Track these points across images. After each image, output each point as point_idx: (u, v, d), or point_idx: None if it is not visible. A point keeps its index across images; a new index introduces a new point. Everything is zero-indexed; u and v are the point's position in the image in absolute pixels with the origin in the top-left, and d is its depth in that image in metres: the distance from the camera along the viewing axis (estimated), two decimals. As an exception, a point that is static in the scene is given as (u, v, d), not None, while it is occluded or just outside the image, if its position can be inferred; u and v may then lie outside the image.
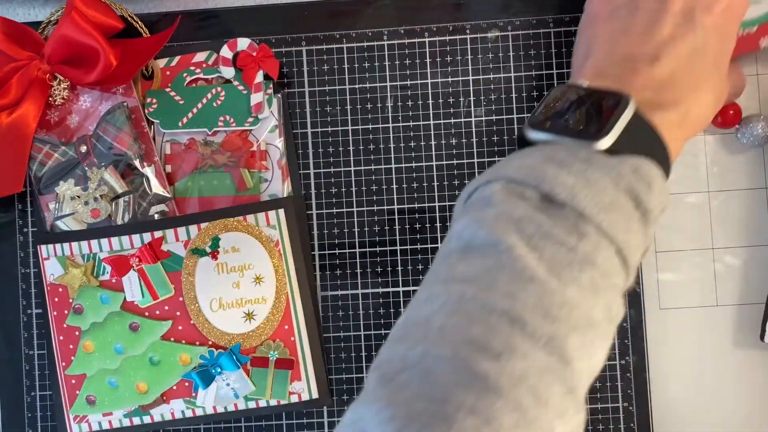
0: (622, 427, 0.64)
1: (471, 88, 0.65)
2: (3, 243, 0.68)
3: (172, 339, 0.65)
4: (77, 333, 0.65)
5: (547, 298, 0.41)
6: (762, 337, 0.63)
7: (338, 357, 0.66)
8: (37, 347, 0.68)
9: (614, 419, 0.64)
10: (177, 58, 0.67)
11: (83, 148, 0.65)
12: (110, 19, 0.65)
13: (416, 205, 0.65)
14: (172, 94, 0.66)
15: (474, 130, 0.65)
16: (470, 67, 0.65)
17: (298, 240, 0.65)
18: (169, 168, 0.66)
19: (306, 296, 0.65)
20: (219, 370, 0.64)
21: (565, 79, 0.64)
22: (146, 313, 0.65)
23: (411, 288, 0.65)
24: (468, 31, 0.65)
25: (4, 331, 0.68)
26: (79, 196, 0.65)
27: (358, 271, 0.66)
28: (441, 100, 0.65)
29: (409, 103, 0.65)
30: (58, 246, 0.65)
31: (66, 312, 0.65)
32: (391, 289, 0.65)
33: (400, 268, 0.65)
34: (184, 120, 0.65)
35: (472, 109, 0.65)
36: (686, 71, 0.49)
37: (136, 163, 0.65)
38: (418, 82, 0.65)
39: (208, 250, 0.64)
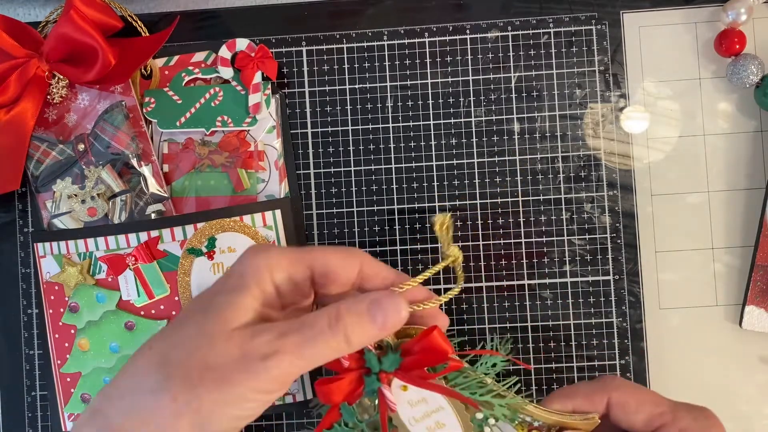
0: (622, 428, 0.64)
1: (471, 88, 0.65)
2: (3, 243, 0.68)
3: (169, 339, 0.64)
4: (72, 331, 0.64)
5: None
6: (740, 324, 0.63)
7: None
8: (37, 347, 0.67)
9: (615, 419, 0.64)
10: (175, 58, 0.67)
11: (81, 147, 0.65)
12: (109, 19, 0.65)
13: (416, 205, 0.65)
14: (170, 93, 0.66)
15: (474, 130, 0.65)
16: (470, 67, 0.65)
17: (294, 241, 0.65)
18: (166, 167, 0.66)
19: (302, 298, 0.65)
20: (215, 370, 0.64)
21: (565, 79, 0.65)
22: (142, 313, 0.64)
23: (410, 288, 0.65)
24: (468, 31, 0.65)
25: (4, 331, 0.68)
26: (76, 195, 0.64)
27: (357, 270, 0.65)
28: (441, 100, 0.65)
29: (409, 103, 0.65)
30: (54, 244, 0.64)
31: (62, 310, 0.65)
32: (390, 289, 0.65)
33: (399, 268, 0.65)
34: (182, 120, 0.65)
35: (472, 109, 0.65)
36: None
37: (134, 162, 0.64)
38: (418, 82, 0.65)
39: (204, 250, 0.64)
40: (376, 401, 0.50)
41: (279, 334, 0.43)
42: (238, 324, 0.44)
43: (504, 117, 0.65)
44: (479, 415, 0.51)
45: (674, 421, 0.50)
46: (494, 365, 0.52)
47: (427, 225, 0.65)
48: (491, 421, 0.51)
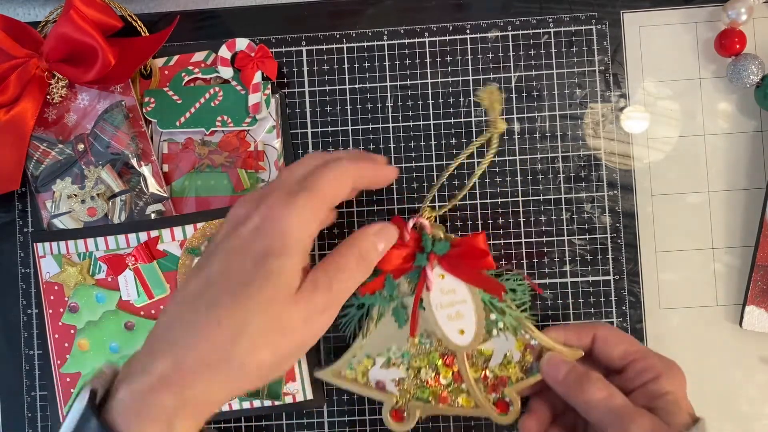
0: (622, 428, 0.64)
1: (471, 88, 0.65)
2: (3, 243, 0.68)
3: (168, 339, 0.64)
4: (72, 331, 0.64)
5: None
6: (740, 324, 0.63)
7: (338, 357, 0.65)
8: (36, 347, 0.67)
9: (615, 419, 0.64)
10: (175, 58, 0.67)
11: (81, 147, 0.65)
12: (109, 18, 0.65)
13: (416, 205, 0.65)
14: (170, 93, 0.66)
15: (474, 130, 0.65)
16: (470, 67, 0.65)
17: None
18: (166, 167, 0.66)
19: (302, 297, 0.65)
20: (215, 370, 0.64)
21: (565, 79, 0.65)
22: (141, 313, 0.64)
23: (410, 288, 0.65)
24: (468, 31, 0.65)
25: (4, 331, 0.68)
26: (75, 195, 0.64)
27: (357, 270, 0.65)
28: (441, 100, 0.65)
29: (409, 103, 0.65)
30: (54, 244, 0.64)
31: (61, 310, 0.64)
32: (390, 289, 0.65)
33: (399, 267, 0.65)
34: (182, 119, 0.65)
35: (472, 109, 0.65)
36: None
37: (134, 162, 0.64)
38: (418, 82, 0.65)
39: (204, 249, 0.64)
40: (414, 286, 0.61)
41: (327, 288, 0.51)
42: (297, 286, 0.50)
43: (504, 117, 0.65)
44: (492, 317, 0.61)
45: (645, 357, 0.57)
46: (514, 291, 0.62)
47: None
48: (500, 325, 0.61)
